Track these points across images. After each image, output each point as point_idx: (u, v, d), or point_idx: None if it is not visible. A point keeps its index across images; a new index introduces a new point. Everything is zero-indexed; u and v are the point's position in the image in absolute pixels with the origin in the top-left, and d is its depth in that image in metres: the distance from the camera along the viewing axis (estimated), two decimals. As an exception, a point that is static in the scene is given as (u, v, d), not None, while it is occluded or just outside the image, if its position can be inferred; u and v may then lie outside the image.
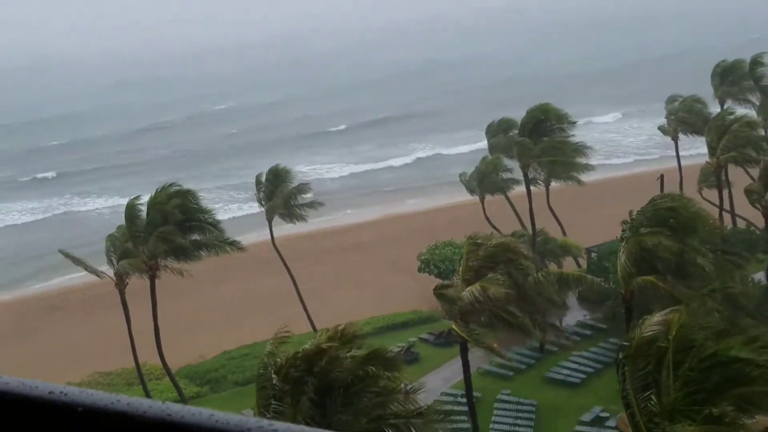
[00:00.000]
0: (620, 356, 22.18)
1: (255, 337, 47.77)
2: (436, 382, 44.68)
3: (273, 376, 23.51)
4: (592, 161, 58.91)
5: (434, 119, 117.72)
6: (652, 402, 20.86)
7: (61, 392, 1.42)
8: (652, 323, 21.69)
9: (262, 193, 52.94)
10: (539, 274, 38.58)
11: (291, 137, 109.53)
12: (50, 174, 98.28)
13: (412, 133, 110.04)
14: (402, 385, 25.77)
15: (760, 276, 47.15)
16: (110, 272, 42.82)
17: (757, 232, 55.16)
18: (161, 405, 1.37)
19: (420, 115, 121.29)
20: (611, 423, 39.13)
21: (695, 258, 32.73)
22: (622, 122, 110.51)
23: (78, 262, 44.39)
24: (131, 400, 1.36)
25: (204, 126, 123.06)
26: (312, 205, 53.45)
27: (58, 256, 48.06)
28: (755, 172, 52.90)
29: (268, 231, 52.99)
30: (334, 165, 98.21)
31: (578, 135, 58.21)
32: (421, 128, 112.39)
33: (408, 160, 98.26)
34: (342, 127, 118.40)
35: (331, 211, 70.54)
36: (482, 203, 59.57)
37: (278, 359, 24.21)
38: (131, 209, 41.87)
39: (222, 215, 68.61)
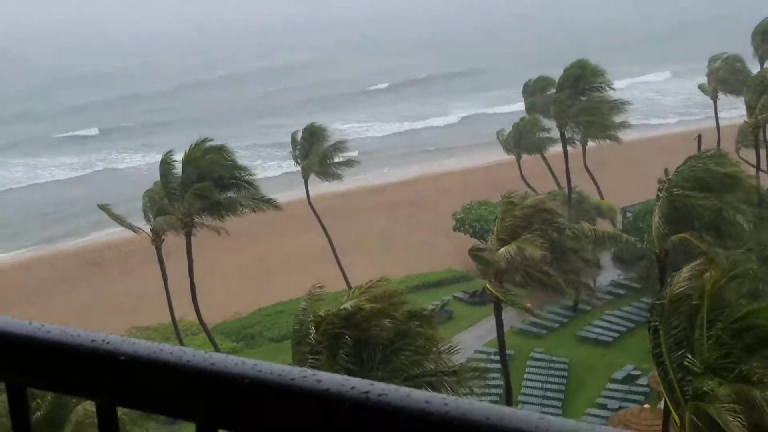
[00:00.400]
0: (651, 315, 22.28)
1: (290, 295, 48.32)
2: (470, 341, 45.04)
3: (311, 330, 23.88)
4: (631, 121, 58.38)
5: (480, 78, 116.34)
6: (686, 360, 20.96)
7: (104, 341, 1.42)
8: (684, 278, 21.72)
9: (297, 152, 53.18)
10: (574, 233, 38.58)
11: (331, 96, 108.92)
12: (91, 131, 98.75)
13: (456, 92, 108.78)
14: (438, 344, 26.06)
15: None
16: (147, 228, 43.47)
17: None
18: (204, 354, 1.35)
19: (465, 74, 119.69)
20: (643, 381, 39.30)
21: (734, 216, 32.53)
22: (669, 82, 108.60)
23: (115, 217, 45.03)
24: (174, 350, 1.36)
25: (243, 84, 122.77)
26: (348, 163, 53.52)
27: (94, 212, 48.72)
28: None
29: (304, 189, 53.30)
30: (374, 124, 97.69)
31: (618, 94, 57.65)
32: (466, 87, 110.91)
33: (450, 119, 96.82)
34: (384, 86, 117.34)
35: (368, 170, 70.66)
36: (518, 163, 59.39)
37: (316, 315, 24.55)
38: (166, 165, 42.28)
39: (261, 173, 69.22)
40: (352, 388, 1.22)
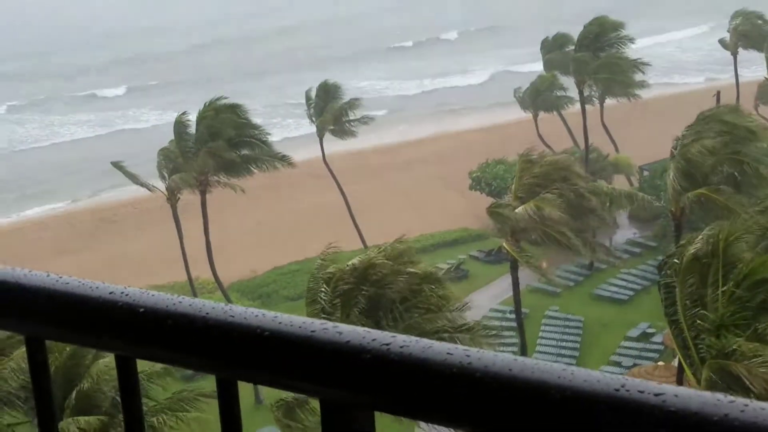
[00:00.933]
0: (661, 273, 22.20)
1: (306, 254, 48.46)
2: (485, 299, 45.17)
3: (323, 287, 24.00)
4: (650, 78, 57.75)
5: (503, 35, 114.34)
6: (699, 318, 20.93)
7: (122, 293, 1.41)
8: (700, 239, 21.61)
9: (312, 109, 53.03)
10: (592, 192, 38.42)
11: (353, 53, 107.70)
12: (119, 89, 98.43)
13: (479, 50, 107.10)
14: (451, 302, 26.17)
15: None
16: (163, 187, 43.62)
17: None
18: (224, 306, 1.34)
19: (492, 30, 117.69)
20: (657, 339, 39.34)
21: (756, 168, 32.18)
22: (699, 38, 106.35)
23: (130, 175, 45.21)
24: (194, 302, 1.36)
25: (263, 41, 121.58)
26: (363, 120, 53.36)
27: (109, 170, 48.87)
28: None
29: (320, 148, 53.23)
30: (393, 82, 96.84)
31: (640, 51, 56.99)
32: (493, 44, 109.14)
33: (472, 78, 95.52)
34: (408, 43, 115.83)
35: (386, 127, 70.38)
36: (535, 121, 58.99)
37: (329, 272, 24.67)
38: (180, 125, 42.37)
39: (279, 131, 68.96)
40: (373, 340, 1.20)
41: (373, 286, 24.44)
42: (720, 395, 1.01)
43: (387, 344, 1.19)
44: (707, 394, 1.01)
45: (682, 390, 1.02)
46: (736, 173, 32.48)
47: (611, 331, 41.24)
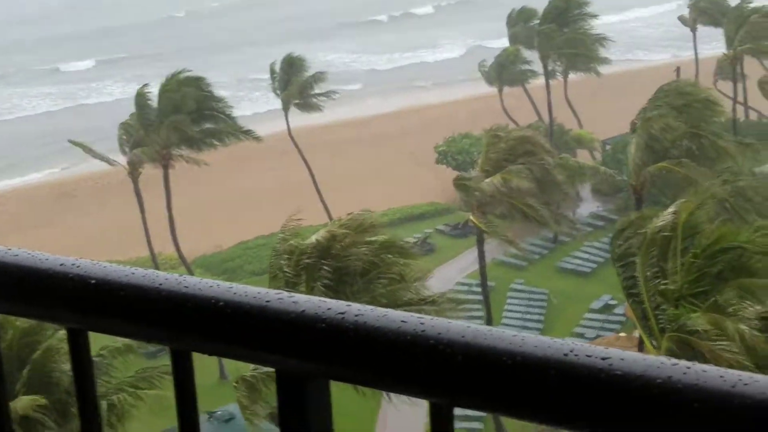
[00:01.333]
0: (614, 246, 22.50)
1: (272, 228, 48.16)
2: (452, 272, 45.42)
3: (286, 261, 23.98)
4: (614, 54, 58.09)
5: (483, 9, 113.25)
6: (659, 290, 21.21)
7: (73, 264, 1.38)
8: (667, 213, 21.87)
9: (276, 83, 52.68)
10: (556, 166, 38.71)
11: (326, 27, 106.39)
12: (79, 64, 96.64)
13: (457, 24, 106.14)
14: (417, 275, 26.25)
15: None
16: (124, 161, 43.14)
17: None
18: (178, 277, 1.32)
19: (468, 4, 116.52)
20: (619, 310, 39.87)
21: (715, 141, 32.62)
22: (668, 15, 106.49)
23: (89, 150, 44.66)
24: (147, 273, 1.33)
25: (237, 13, 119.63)
26: (329, 94, 53.14)
27: (69, 145, 48.23)
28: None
29: (285, 122, 52.95)
30: (365, 55, 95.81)
31: (603, 26, 57.23)
32: (468, 18, 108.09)
33: (448, 53, 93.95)
34: (383, 17, 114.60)
35: (355, 102, 70.09)
36: (500, 95, 59.13)
37: (292, 246, 24.62)
38: (141, 97, 41.91)
39: (249, 105, 68.19)
40: (329, 309, 1.20)
41: (337, 259, 24.44)
42: (664, 359, 1.03)
43: (342, 313, 1.19)
44: (652, 358, 1.03)
45: (628, 354, 1.04)
46: (695, 147, 32.87)
47: (575, 303, 41.73)
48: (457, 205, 47.68)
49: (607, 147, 54.75)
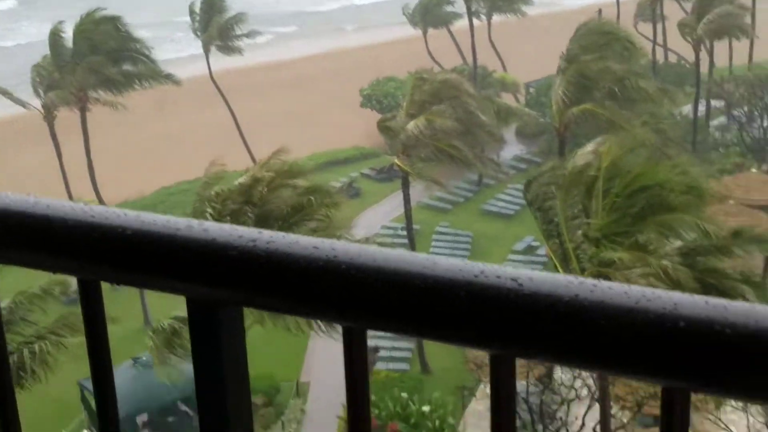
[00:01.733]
0: (528, 191, 22.76)
1: (196, 173, 47.43)
2: (377, 216, 45.52)
3: (207, 208, 23.63)
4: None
5: None
6: (581, 229, 21.53)
7: None
8: (585, 152, 22.13)
9: (197, 24, 51.39)
10: (480, 108, 38.82)
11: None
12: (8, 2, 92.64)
13: None
14: (341, 218, 26.19)
15: (687, 109, 48.15)
16: (38, 104, 41.67)
17: (687, 66, 55.65)
18: (84, 206, 1.30)
19: None
20: (542, 251, 40.56)
21: (637, 82, 33.04)
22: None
23: (4, 93, 43.01)
24: (51, 202, 1.30)
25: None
26: (250, 35, 52.08)
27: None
28: (690, 6, 53.10)
29: (206, 64, 51.84)
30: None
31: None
32: None
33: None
34: None
35: (278, 44, 68.96)
36: (425, 37, 58.82)
37: (215, 191, 24.28)
38: (55, 38, 40.37)
39: (169, 47, 66.38)
40: (240, 236, 1.18)
41: (261, 204, 24.18)
42: (571, 278, 1.05)
43: (253, 240, 1.17)
44: (560, 277, 1.05)
45: (537, 274, 1.06)
46: (617, 89, 33.23)
47: (499, 245, 42.29)
48: (383, 149, 47.57)
49: (531, 90, 55.10)
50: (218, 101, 51.79)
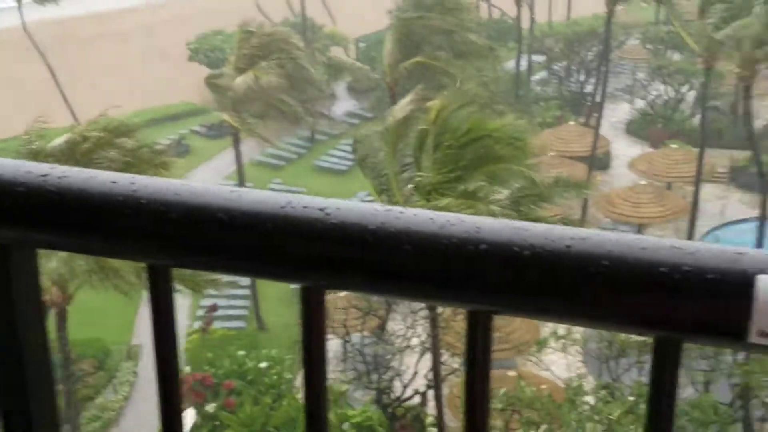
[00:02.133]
0: (354, 151, 22.96)
1: (13, 131, 45.00)
2: (208, 174, 44.71)
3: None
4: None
5: None
6: (413, 183, 21.88)
7: None
8: (403, 104, 22.47)
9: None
10: (310, 62, 38.62)
11: None
12: None
13: None
14: (171, 177, 25.50)
15: (511, 64, 49.78)
16: None
17: (510, 21, 57.29)
18: None
19: None
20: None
21: (466, 36, 33.70)
22: None
23: None
24: None
25: None
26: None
27: None
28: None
29: (19, 15, 48.86)
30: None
31: None
32: None
33: None
34: None
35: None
36: (252, -10, 57.72)
37: (35, 149, 23.10)
38: None
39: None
40: (28, 172, 1.11)
41: (84, 163, 23.18)
42: (378, 206, 1.05)
43: (44, 175, 1.10)
44: (367, 206, 1.04)
45: (344, 203, 1.05)
46: (447, 44, 33.78)
47: (333, 200, 42.49)
48: (213, 105, 46.59)
49: (361, 44, 55.27)
50: (35, 55, 49.04)
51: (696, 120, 43.05)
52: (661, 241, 0.98)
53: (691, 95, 46.78)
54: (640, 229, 36.87)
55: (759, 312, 0.92)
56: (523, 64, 50.69)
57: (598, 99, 42.08)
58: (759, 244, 30.92)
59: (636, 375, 23.10)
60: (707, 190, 37.62)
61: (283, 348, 28.31)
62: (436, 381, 22.48)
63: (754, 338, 0.93)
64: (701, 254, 0.96)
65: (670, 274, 0.95)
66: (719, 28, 29.93)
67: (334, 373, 25.48)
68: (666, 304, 0.96)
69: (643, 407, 21.33)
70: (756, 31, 28.59)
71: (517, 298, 1.00)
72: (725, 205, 39.11)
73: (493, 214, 18.86)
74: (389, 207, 1.04)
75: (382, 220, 1.02)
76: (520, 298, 1.00)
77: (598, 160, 40.31)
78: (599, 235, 0.99)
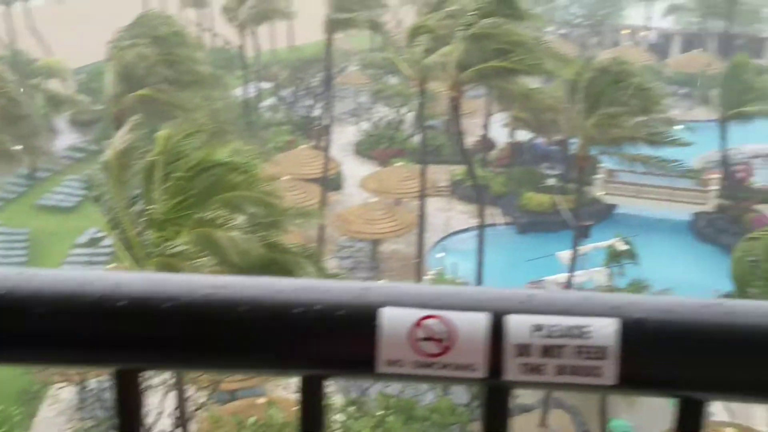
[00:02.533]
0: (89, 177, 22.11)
1: None
2: None
3: None
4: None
5: None
6: (144, 216, 21.19)
7: None
8: (120, 135, 21.85)
9: None
10: (24, 96, 36.47)
11: None
12: None
13: None
14: None
15: (239, 92, 49.93)
16: None
17: (234, 50, 57.40)
18: None
19: None
20: (107, 242, 39.42)
21: (192, 66, 33.28)
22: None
23: None
24: None
25: None
26: None
27: None
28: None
29: None
30: None
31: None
32: None
33: None
34: None
35: None
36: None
37: None
38: None
39: None
40: None
41: None
42: (11, 269, 1.00)
43: None
44: None
45: None
46: (171, 74, 33.13)
47: (60, 240, 40.26)
48: None
49: (80, 76, 53.04)
50: None
51: (416, 138, 45.31)
52: (298, 282, 1.00)
53: (410, 116, 49.22)
54: (375, 244, 38.18)
55: (384, 343, 0.96)
56: (252, 91, 50.95)
57: (325, 122, 43.15)
58: (480, 250, 33.04)
59: (380, 387, 23.81)
60: (432, 204, 39.67)
61: (8, 402, 26.21)
62: (183, 418, 21.88)
63: (382, 368, 0.96)
64: (333, 292, 0.98)
65: (304, 313, 0.97)
66: (428, 54, 31.79)
67: (73, 422, 24.04)
68: (303, 344, 0.98)
69: (391, 419, 22.05)
70: (458, 57, 30.73)
71: (162, 353, 0.99)
72: (450, 217, 41.50)
73: (234, 241, 18.82)
74: (23, 270, 1.00)
75: (13, 284, 0.96)
76: (165, 353, 0.99)
77: (332, 181, 41.28)
78: (238, 281, 1.00)
